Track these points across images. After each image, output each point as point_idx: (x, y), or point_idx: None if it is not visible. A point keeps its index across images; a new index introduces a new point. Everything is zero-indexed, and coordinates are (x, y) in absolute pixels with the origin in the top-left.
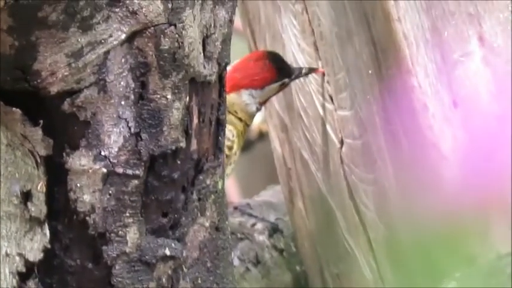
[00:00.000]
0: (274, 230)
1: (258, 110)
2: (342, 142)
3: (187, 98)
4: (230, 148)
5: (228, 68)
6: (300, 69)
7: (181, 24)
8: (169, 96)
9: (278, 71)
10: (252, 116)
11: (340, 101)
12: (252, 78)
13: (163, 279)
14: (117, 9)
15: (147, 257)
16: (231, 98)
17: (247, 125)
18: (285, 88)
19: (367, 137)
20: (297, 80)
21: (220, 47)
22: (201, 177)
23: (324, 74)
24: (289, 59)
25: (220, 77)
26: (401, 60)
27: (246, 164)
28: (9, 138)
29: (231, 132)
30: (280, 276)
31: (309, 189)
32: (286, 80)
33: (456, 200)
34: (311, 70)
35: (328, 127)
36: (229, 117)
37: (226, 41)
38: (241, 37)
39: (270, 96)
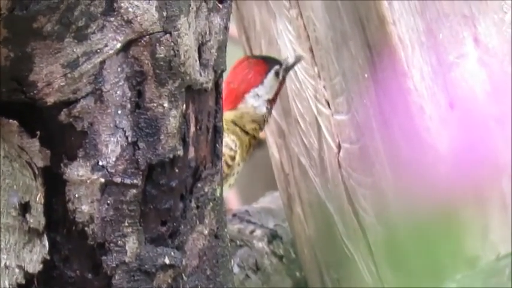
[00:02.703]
0: (273, 237)
1: (269, 110)
2: (339, 147)
3: (184, 105)
4: (233, 158)
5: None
6: (286, 58)
7: (176, 32)
8: (166, 105)
9: (264, 60)
10: (263, 118)
11: (336, 106)
12: (247, 79)
13: None
14: (112, 19)
15: (146, 266)
16: (239, 110)
17: (254, 138)
18: (284, 81)
19: (364, 141)
20: (293, 86)
21: (216, 54)
22: (199, 184)
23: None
24: None
25: (217, 84)
26: (397, 63)
27: (244, 171)
28: (6, 150)
29: (234, 142)
30: (280, 282)
31: (308, 194)
32: (277, 66)
33: (455, 201)
34: (298, 58)
35: (325, 132)
36: (235, 130)
37: (221, 48)
38: (237, 44)
39: (275, 91)
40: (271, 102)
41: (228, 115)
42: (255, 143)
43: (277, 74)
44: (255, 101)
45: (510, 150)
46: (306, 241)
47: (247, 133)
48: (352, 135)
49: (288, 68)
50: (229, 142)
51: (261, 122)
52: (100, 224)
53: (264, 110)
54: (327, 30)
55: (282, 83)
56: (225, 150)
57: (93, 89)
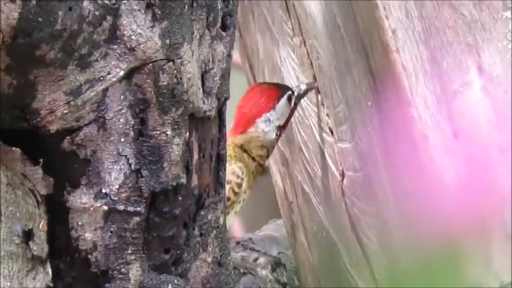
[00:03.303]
0: (277, 264)
1: (278, 136)
2: (343, 175)
3: (187, 133)
4: (239, 186)
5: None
6: (298, 86)
7: (179, 60)
8: (169, 132)
9: (277, 87)
10: (271, 145)
11: (340, 134)
12: (259, 103)
13: None
14: (115, 46)
15: None
16: (248, 134)
17: (260, 166)
18: (296, 108)
19: (368, 169)
20: (296, 114)
21: (219, 82)
22: (202, 212)
23: (319, 90)
24: None
25: (220, 112)
26: (401, 91)
27: (248, 199)
28: (9, 178)
29: (241, 169)
30: None
31: (311, 222)
32: (290, 92)
33: (458, 230)
34: (309, 85)
35: (328, 160)
36: (243, 156)
37: (225, 75)
38: (240, 71)
39: (286, 117)
40: (282, 128)
41: (237, 139)
42: (260, 170)
43: (289, 99)
44: (265, 126)
45: None
46: (309, 269)
47: (253, 159)
48: (356, 163)
49: (301, 95)
50: (237, 170)
51: (270, 148)
52: (103, 251)
53: (273, 135)
54: (331, 58)
55: (293, 109)
56: (232, 178)
57: (96, 116)
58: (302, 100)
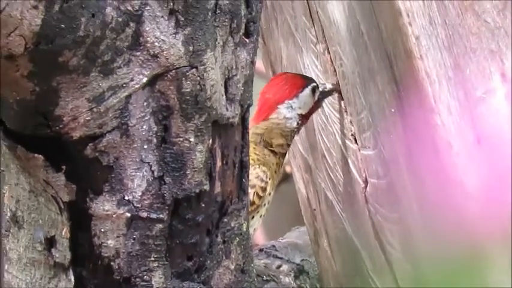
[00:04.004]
0: (300, 272)
1: (299, 126)
2: (366, 182)
3: (211, 140)
4: (264, 189)
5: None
6: (324, 84)
7: (202, 67)
8: (192, 139)
9: (301, 76)
10: (292, 133)
11: (363, 141)
12: (282, 90)
13: None
14: (138, 53)
15: None
16: (269, 121)
17: (282, 157)
18: (320, 105)
19: (391, 176)
20: (319, 120)
21: (243, 88)
22: (225, 219)
23: (340, 92)
24: None
25: (243, 119)
26: (424, 98)
27: (271, 206)
28: (32, 185)
29: (264, 173)
30: None
31: (334, 229)
32: (315, 84)
33: (482, 237)
34: (334, 86)
35: (352, 167)
36: (264, 156)
37: (248, 82)
38: (264, 78)
39: (309, 108)
40: (304, 118)
41: (258, 129)
42: (282, 162)
43: (313, 91)
44: (287, 112)
45: None
46: (332, 276)
47: (275, 153)
48: (379, 170)
49: (325, 93)
50: (261, 174)
51: (289, 138)
52: (126, 258)
53: (294, 124)
54: (354, 65)
55: (317, 103)
56: (256, 182)
57: (119, 123)
58: (325, 107)
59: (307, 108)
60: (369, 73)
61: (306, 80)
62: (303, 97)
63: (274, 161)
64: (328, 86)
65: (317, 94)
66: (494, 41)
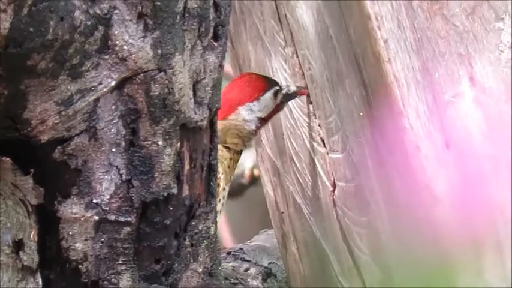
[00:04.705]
0: (267, 275)
1: (257, 128)
2: (334, 185)
3: (179, 143)
4: (217, 185)
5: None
6: (288, 86)
7: (171, 70)
8: (160, 143)
9: (264, 78)
10: (250, 135)
11: (332, 144)
12: (244, 92)
13: None
14: (106, 56)
15: None
16: (227, 121)
17: (237, 154)
18: (281, 108)
19: (359, 180)
20: (288, 124)
21: (211, 92)
22: (193, 222)
23: (308, 95)
24: None
25: (211, 122)
26: (393, 101)
27: (239, 209)
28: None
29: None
30: None
31: (302, 233)
32: (278, 87)
33: (450, 241)
34: (299, 88)
35: (320, 170)
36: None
37: (216, 86)
38: None
39: (269, 111)
40: (263, 121)
41: None
42: (237, 159)
43: (275, 94)
44: (247, 115)
45: (504, 191)
46: (300, 279)
47: (229, 149)
48: (347, 173)
49: (288, 95)
50: None
51: (246, 139)
52: (94, 261)
53: (253, 126)
54: (323, 68)
55: (278, 106)
56: None
57: (87, 126)
58: (294, 110)
59: (268, 112)
60: (338, 77)
61: (269, 83)
62: (264, 100)
63: (227, 156)
64: (292, 89)
65: (279, 97)
66: (463, 44)
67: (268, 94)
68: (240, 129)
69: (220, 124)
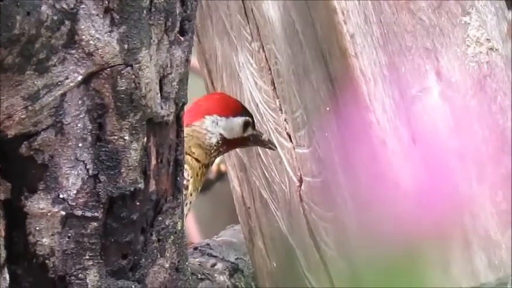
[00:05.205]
0: (234, 270)
1: (218, 146)
2: (301, 180)
3: (145, 138)
4: (186, 188)
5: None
6: (261, 132)
7: (137, 65)
8: (126, 137)
9: (241, 106)
10: (210, 149)
11: (298, 139)
12: (217, 105)
13: None
14: (73, 51)
15: None
16: (191, 128)
17: (205, 167)
18: (247, 144)
19: (326, 175)
20: (254, 119)
21: (178, 87)
22: (160, 218)
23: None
24: (246, 97)
25: (178, 117)
26: (359, 96)
27: (206, 204)
28: None
29: (186, 171)
30: None
31: (269, 228)
32: (250, 120)
33: (417, 235)
34: (271, 142)
35: (286, 165)
36: (186, 158)
37: (183, 80)
38: (199, 76)
39: (234, 137)
40: (225, 142)
41: None
42: (205, 173)
43: (245, 125)
44: (210, 125)
45: (471, 186)
46: (267, 274)
47: (198, 160)
48: (314, 168)
49: (257, 137)
50: None
51: (208, 153)
52: (61, 257)
53: (214, 141)
54: (289, 63)
55: (244, 140)
56: None
57: (53, 121)
58: (260, 105)
59: (232, 136)
60: (304, 71)
61: (244, 111)
62: (232, 123)
63: (196, 165)
64: (265, 136)
65: (248, 131)
66: (430, 39)
67: (239, 120)
68: (201, 139)
69: (185, 130)
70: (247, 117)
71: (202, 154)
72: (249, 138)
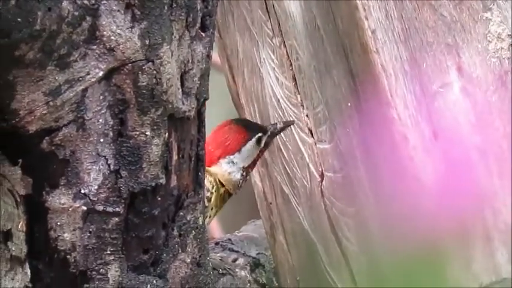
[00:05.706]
0: (256, 265)
1: (244, 177)
2: (322, 175)
3: (167, 134)
4: (208, 199)
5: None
6: (275, 124)
7: (159, 61)
8: (148, 133)
9: (247, 128)
10: (236, 185)
11: (319, 135)
12: (225, 145)
13: None
14: (94, 47)
15: None
16: (213, 170)
17: (228, 193)
18: (268, 147)
19: (347, 170)
20: (275, 114)
21: (199, 82)
22: (181, 213)
23: (298, 91)
24: (268, 93)
25: (199, 113)
26: (380, 92)
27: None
28: None
29: (211, 184)
30: None
31: (290, 223)
32: (260, 134)
33: (438, 231)
34: (287, 123)
35: (308, 161)
36: (215, 176)
37: (204, 76)
38: (220, 72)
39: (254, 157)
40: (248, 168)
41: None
42: (227, 199)
43: (258, 141)
44: (229, 167)
45: (493, 181)
46: (288, 270)
47: (223, 185)
48: (335, 164)
49: (275, 134)
50: (207, 184)
51: (238, 184)
52: (82, 252)
53: (238, 176)
54: (310, 58)
55: (263, 150)
56: None
57: (75, 117)
58: (281, 101)
59: (251, 159)
60: (325, 67)
61: (251, 132)
62: (246, 151)
63: (221, 188)
64: (279, 126)
65: (263, 141)
66: (451, 34)
67: (250, 143)
68: (227, 179)
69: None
70: (256, 134)
71: (234, 187)
72: (267, 143)
